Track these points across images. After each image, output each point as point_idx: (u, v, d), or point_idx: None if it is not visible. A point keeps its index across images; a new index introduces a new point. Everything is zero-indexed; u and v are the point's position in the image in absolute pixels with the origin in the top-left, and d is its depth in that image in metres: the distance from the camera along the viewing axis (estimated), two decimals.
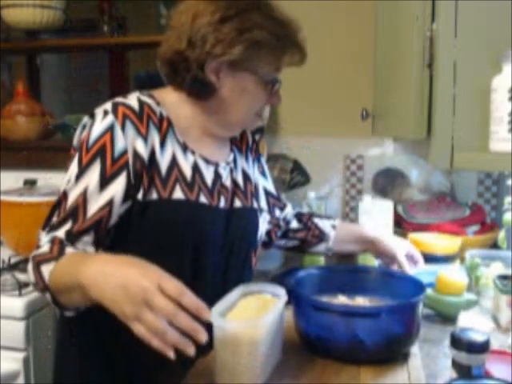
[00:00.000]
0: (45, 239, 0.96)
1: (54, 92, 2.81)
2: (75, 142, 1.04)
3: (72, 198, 0.97)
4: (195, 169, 1.06)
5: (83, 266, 0.83)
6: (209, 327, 0.87)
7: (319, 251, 1.38)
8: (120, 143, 0.97)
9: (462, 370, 0.83)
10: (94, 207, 0.96)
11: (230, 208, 1.12)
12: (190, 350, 0.73)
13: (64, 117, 2.25)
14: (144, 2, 2.31)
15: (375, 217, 1.56)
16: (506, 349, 1.01)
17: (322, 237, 1.35)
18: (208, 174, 1.08)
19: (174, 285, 0.75)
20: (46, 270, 0.91)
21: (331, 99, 2.05)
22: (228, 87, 1.04)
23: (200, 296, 1.04)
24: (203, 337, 0.73)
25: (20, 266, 1.78)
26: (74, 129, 2.08)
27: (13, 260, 1.80)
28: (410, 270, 1.27)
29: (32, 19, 2.08)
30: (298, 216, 1.39)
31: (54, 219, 0.98)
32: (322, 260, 1.60)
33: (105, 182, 0.97)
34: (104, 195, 0.97)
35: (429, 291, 1.22)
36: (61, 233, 0.96)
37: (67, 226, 0.96)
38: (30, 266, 0.95)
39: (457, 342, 0.83)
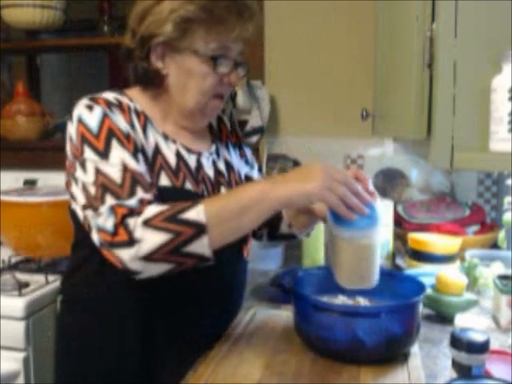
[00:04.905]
0: (133, 201, 0.89)
1: (53, 92, 2.81)
2: (67, 149, 1.00)
3: (118, 174, 0.92)
4: (179, 156, 1.06)
5: (253, 184, 0.94)
6: (207, 332, 0.85)
7: (284, 232, 1.26)
8: (121, 124, 0.97)
9: (462, 370, 0.83)
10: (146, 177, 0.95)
11: None
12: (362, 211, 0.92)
13: (64, 117, 2.25)
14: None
15: None
16: (506, 349, 1.01)
17: (280, 215, 1.24)
18: (191, 163, 1.08)
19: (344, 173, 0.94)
20: (196, 212, 0.87)
21: (331, 99, 2.05)
22: (174, 71, 1.03)
23: (192, 289, 1.04)
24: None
25: (20, 266, 1.79)
26: None
27: (13, 260, 1.81)
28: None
29: (32, 19, 2.08)
30: None
31: (114, 193, 0.90)
32: (321, 260, 1.60)
33: (135, 157, 0.95)
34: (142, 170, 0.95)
35: (429, 291, 1.22)
36: (148, 196, 0.91)
37: (140, 192, 0.91)
38: (149, 231, 0.86)
39: (457, 342, 0.83)
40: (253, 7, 1.03)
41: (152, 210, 0.88)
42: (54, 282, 1.66)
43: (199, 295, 1.06)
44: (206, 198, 1.05)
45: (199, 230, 0.87)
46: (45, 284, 1.64)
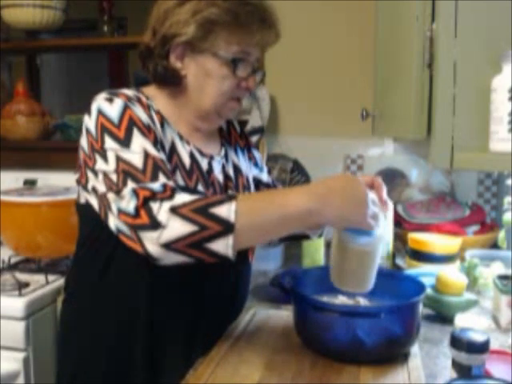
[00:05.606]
0: (156, 185, 0.88)
1: (53, 92, 2.81)
2: (83, 142, 0.98)
3: (140, 160, 0.91)
4: (192, 158, 1.06)
5: (296, 195, 0.89)
6: (210, 333, 0.85)
7: (297, 233, 1.21)
8: (142, 116, 0.97)
9: (462, 370, 0.82)
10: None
11: None
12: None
13: (64, 117, 2.25)
14: (144, 1, 2.30)
15: None
16: (506, 349, 1.01)
17: None
18: (203, 165, 1.08)
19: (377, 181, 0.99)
20: (227, 210, 0.85)
21: (331, 99, 2.05)
22: (192, 72, 1.03)
23: (197, 290, 1.04)
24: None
25: (20, 266, 1.79)
26: (73, 129, 2.09)
27: (13, 260, 1.81)
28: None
29: (32, 19, 2.08)
30: None
31: (136, 178, 0.89)
32: (321, 260, 1.60)
33: (156, 147, 0.94)
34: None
35: (429, 291, 1.22)
36: (171, 183, 0.90)
37: (163, 177, 0.90)
38: (175, 219, 0.84)
39: (457, 342, 0.83)
40: (275, 16, 1.05)
41: (182, 198, 0.87)
42: (54, 281, 1.66)
43: (203, 296, 1.06)
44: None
45: (226, 228, 0.85)
46: (45, 284, 1.64)
